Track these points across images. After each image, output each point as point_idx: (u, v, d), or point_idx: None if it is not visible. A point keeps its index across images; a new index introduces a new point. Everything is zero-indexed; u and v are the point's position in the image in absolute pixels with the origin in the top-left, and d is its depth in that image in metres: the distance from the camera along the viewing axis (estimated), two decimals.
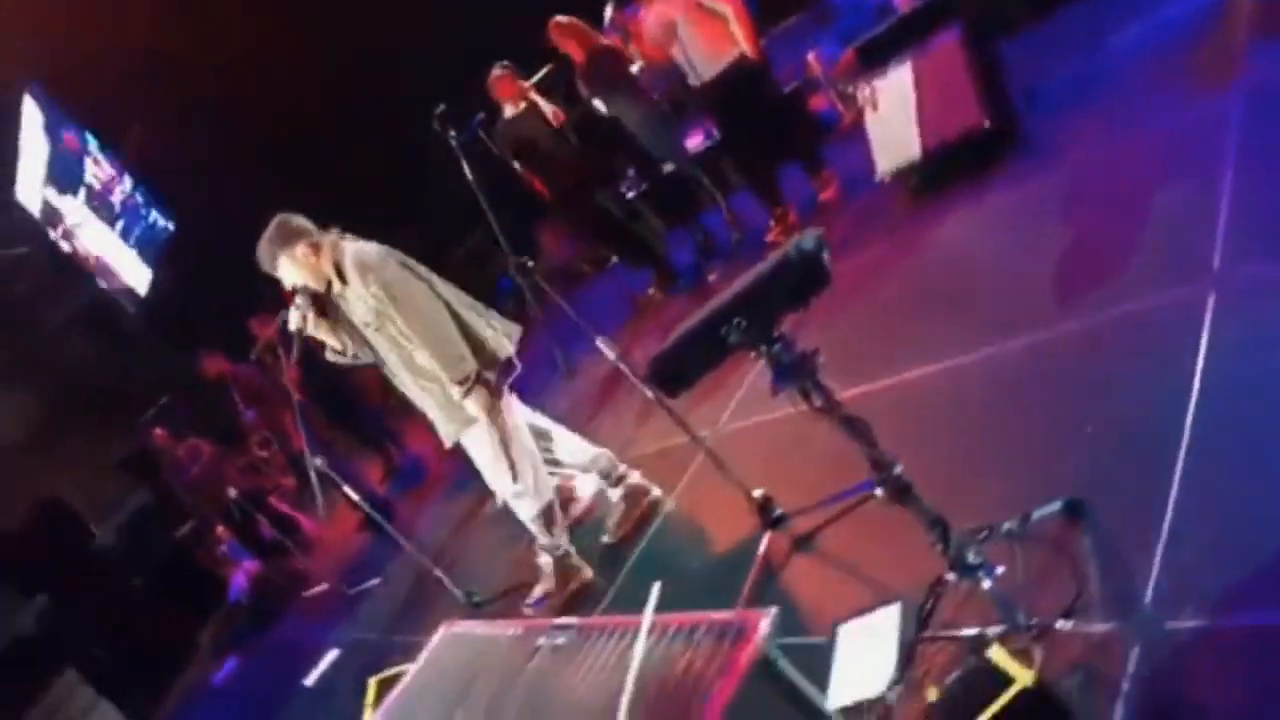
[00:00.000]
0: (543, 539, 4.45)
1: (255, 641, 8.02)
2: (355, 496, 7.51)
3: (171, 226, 12.00)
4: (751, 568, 3.42)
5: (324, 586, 7.76)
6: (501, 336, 4.30)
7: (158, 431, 8.66)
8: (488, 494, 6.48)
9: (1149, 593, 2.17)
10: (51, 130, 11.76)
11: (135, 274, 12.70)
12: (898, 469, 2.33)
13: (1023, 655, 2.00)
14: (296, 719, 5.77)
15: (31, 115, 11.63)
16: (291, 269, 4.12)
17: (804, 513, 3.43)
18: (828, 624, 2.74)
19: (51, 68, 10.00)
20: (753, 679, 2.02)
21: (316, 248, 4.11)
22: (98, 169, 11.94)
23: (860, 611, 2.67)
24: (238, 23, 8.96)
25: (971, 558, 2.24)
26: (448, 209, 7.72)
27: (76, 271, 12.89)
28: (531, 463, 4.34)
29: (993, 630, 2.23)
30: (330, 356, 4.45)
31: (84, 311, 13.88)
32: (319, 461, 7.32)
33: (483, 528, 6.16)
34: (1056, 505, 2.46)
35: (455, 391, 4.14)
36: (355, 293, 4.11)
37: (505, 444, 4.28)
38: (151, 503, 10.00)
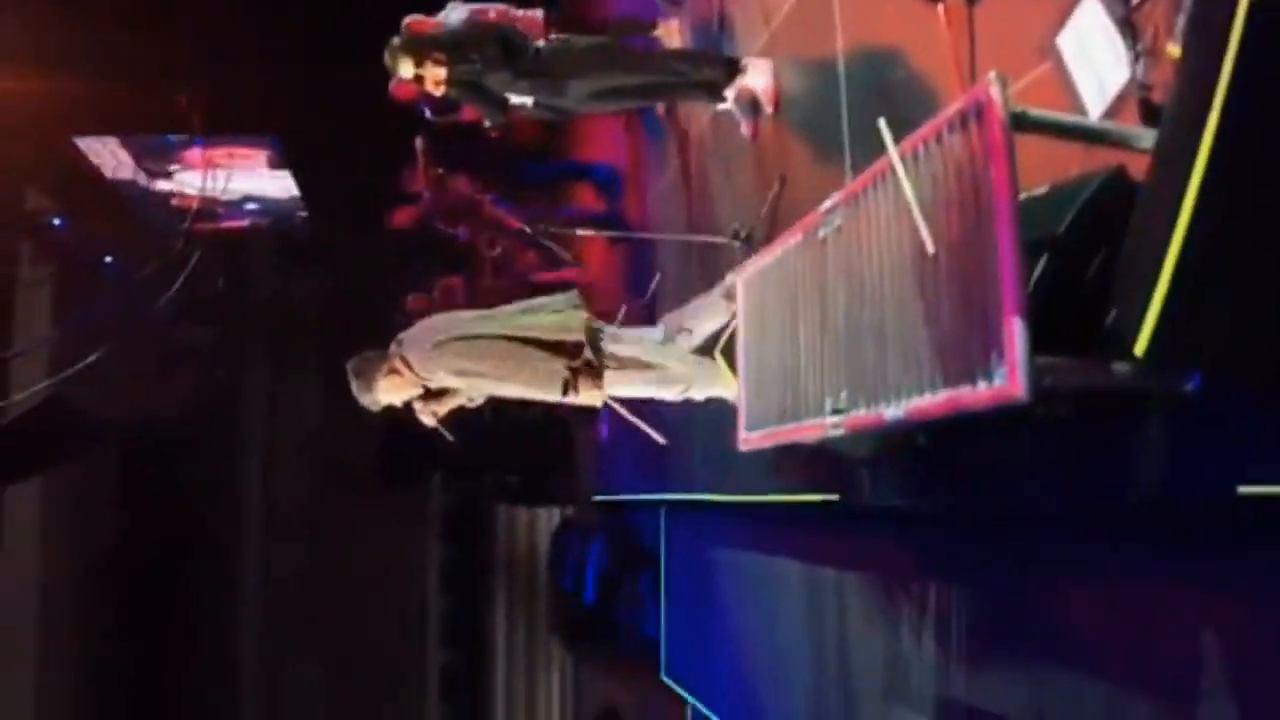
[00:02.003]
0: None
1: None
2: (589, 230, 7.88)
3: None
4: (945, 47, 3.38)
5: (624, 309, 8.22)
6: (568, 314, 4.41)
7: (410, 300, 9.13)
8: (678, 149, 6.61)
9: None
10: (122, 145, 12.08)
11: (279, 183, 13.03)
12: None
13: None
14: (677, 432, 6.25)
15: (95, 148, 11.96)
16: (392, 395, 4.47)
17: None
18: (1043, 49, 2.74)
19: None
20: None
21: (393, 370, 4.40)
22: None
23: (1062, 21, 2.64)
24: None
25: None
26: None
27: (241, 233, 13.38)
28: (677, 373, 4.54)
29: None
30: (470, 407, 4.81)
31: (275, 258, 14.65)
32: (539, 227, 7.71)
33: (705, 175, 6.29)
34: None
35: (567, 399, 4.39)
36: (439, 383, 4.44)
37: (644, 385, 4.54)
38: None
